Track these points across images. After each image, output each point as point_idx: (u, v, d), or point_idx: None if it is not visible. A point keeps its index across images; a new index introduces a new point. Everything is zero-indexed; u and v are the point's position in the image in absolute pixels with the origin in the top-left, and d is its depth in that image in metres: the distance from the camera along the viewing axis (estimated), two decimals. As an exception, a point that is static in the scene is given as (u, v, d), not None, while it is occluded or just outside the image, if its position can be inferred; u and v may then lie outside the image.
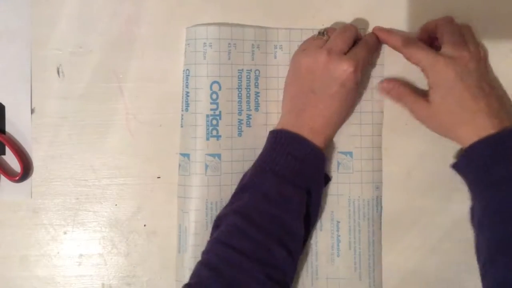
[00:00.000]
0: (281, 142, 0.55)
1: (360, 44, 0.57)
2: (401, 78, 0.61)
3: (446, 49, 0.56)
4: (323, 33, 0.58)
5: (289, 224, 0.54)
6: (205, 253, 0.54)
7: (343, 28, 0.57)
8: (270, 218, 0.53)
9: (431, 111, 0.56)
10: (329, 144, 0.60)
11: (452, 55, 0.55)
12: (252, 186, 0.55)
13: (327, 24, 0.62)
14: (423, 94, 0.57)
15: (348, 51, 0.56)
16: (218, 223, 0.56)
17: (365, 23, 0.62)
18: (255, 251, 0.52)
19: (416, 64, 0.57)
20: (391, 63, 0.61)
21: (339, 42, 0.55)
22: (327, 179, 0.60)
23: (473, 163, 0.54)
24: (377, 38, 0.59)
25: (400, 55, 0.59)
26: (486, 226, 0.52)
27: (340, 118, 0.58)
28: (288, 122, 0.57)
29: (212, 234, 0.56)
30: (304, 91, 0.56)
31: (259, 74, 0.62)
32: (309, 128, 0.56)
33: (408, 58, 0.58)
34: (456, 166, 0.57)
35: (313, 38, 0.59)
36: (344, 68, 0.54)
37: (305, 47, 0.58)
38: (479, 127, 0.54)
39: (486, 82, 0.55)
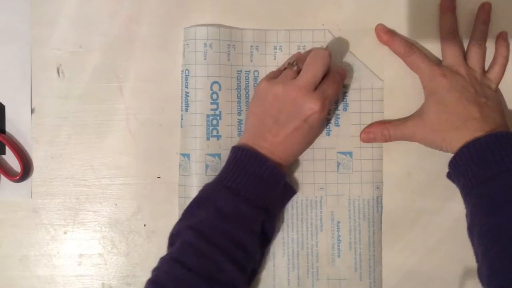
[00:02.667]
0: (240, 159, 0.55)
1: (329, 79, 0.56)
2: (400, 78, 0.62)
3: (445, 63, 0.59)
4: (293, 63, 0.57)
5: (244, 242, 0.53)
6: (155, 270, 0.53)
7: (314, 57, 0.56)
8: (224, 235, 0.52)
9: (425, 121, 0.58)
10: (291, 163, 0.59)
11: (450, 70, 0.58)
12: (207, 201, 0.55)
13: (327, 24, 0.62)
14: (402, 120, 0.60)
15: (318, 86, 0.56)
16: (172, 240, 0.55)
17: (365, 23, 0.62)
18: (206, 269, 0.51)
19: (416, 72, 0.60)
20: (391, 63, 0.62)
21: (309, 76, 0.55)
22: (292, 191, 0.60)
23: (459, 168, 0.55)
24: (345, 72, 0.59)
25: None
26: (477, 222, 0.53)
27: (300, 149, 0.59)
28: (249, 140, 0.56)
29: (167, 251, 0.55)
30: (268, 117, 0.56)
31: (258, 75, 0.62)
32: (270, 152, 0.55)
33: (408, 65, 0.61)
34: (448, 175, 0.58)
35: (283, 67, 0.59)
36: (311, 106, 0.54)
37: (275, 76, 0.58)
38: (469, 132, 0.55)
39: (484, 96, 0.57)
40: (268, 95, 0.56)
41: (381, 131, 0.60)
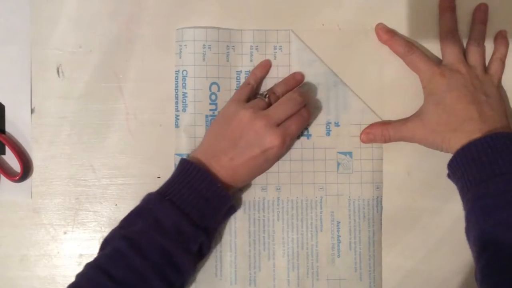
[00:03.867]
0: (190, 175, 0.55)
1: (295, 117, 0.57)
2: (400, 78, 0.62)
3: (444, 62, 0.59)
4: (265, 95, 0.58)
5: (178, 260, 0.52)
6: (79, 276, 0.52)
7: (289, 100, 0.57)
8: (158, 249, 0.52)
9: (425, 122, 0.58)
10: (239, 187, 0.59)
11: (450, 69, 0.58)
12: (148, 212, 0.54)
13: (327, 24, 0.62)
14: (403, 121, 0.60)
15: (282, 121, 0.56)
16: (104, 245, 0.54)
17: (365, 23, 0.62)
18: (131, 281, 0.50)
19: (415, 72, 0.61)
20: (391, 63, 0.62)
21: (278, 113, 0.56)
22: (233, 210, 0.59)
23: (457, 171, 0.55)
24: (309, 113, 0.59)
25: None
26: (471, 226, 0.53)
27: (250, 177, 0.59)
28: (203, 156, 0.56)
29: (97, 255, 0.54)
30: (228, 139, 0.56)
31: (258, 75, 0.62)
32: (221, 173, 0.55)
33: (408, 65, 0.61)
34: (448, 175, 0.58)
35: (248, 87, 0.59)
36: (271, 140, 0.55)
37: (243, 98, 0.58)
38: (468, 133, 0.55)
39: (484, 94, 0.57)
40: (234, 118, 0.56)
41: (381, 131, 0.60)
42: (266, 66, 0.61)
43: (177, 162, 0.59)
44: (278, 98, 0.59)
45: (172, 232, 0.52)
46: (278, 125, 0.56)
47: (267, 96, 0.58)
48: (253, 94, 0.60)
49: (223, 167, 0.55)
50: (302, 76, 0.61)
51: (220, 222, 0.58)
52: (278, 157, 0.58)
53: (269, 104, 0.58)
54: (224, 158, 0.55)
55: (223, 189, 0.55)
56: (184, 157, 0.58)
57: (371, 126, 0.61)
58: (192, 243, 0.54)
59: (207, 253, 0.58)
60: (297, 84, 0.61)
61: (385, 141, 0.61)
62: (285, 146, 0.56)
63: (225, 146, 0.56)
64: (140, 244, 0.52)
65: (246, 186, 0.61)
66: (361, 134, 0.61)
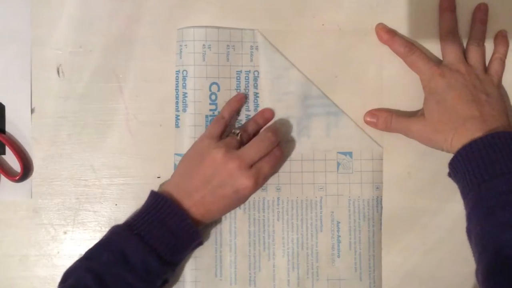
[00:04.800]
0: (160, 208, 0.55)
1: (268, 157, 0.57)
2: (400, 78, 0.62)
3: (445, 62, 0.59)
4: (237, 134, 0.58)
5: None
6: None
7: (262, 141, 0.57)
8: (123, 284, 0.52)
9: (426, 121, 0.58)
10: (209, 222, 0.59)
11: (450, 69, 0.58)
12: (115, 246, 0.54)
13: (327, 24, 0.62)
14: (409, 114, 0.60)
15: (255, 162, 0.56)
16: (66, 276, 0.53)
17: (365, 23, 0.62)
18: None
19: (416, 72, 0.60)
20: (391, 63, 0.62)
21: (251, 154, 0.56)
22: (199, 244, 0.58)
23: (458, 170, 0.55)
24: (282, 152, 0.59)
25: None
26: (472, 226, 0.53)
27: (221, 214, 0.60)
28: (175, 191, 0.56)
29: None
30: (200, 177, 0.56)
31: (258, 75, 0.62)
32: (192, 209, 0.55)
33: (408, 65, 0.61)
34: (449, 174, 0.58)
35: (221, 121, 0.59)
36: (244, 182, 0.55)
37: (216, 134, 0.58)
38: (469, 132, 0.55)
39: (484, 93, 0.57)
40: (207, 156, 0.56)
41: (384, 118, 0.60)
42: (240, 100, 0.61)
43: (177, 163, 0.60)
44: (249, 136, 0.59)
45: (139, 268, 0.52)
46: (251, 165, 0.56)
47: (239, 134, 0.58)
48: (226, 128, 0.60)
49: (195, 204, 0.55)
50: (272, 113, 0.61)
51: (186, 256, 0.58)
52: (250, 196, 0.58)
53: (241, 142, 0.58)
54: (196, 195, 0.55)
55: (193, 226, 0.55)
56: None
57: (378, 109, 0.61)
58: (158, 279, 0.54)
59: (168, 283, 0.58)
60: (267, 121, 0.61)
61: (385, 128, 0.60)
62: (258, 186, 0.57)
63: (197, 183, 0.56)
64: (106, 279, 0.52)
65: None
66: (365, 115, 0.61)
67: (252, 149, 0.56)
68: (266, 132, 0.58)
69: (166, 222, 0.54)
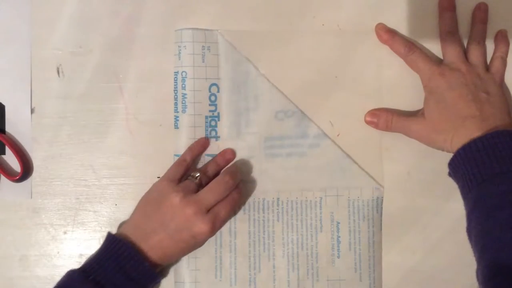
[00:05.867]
0: (117, 251, 0.54)
1: (226, 200, 0.57)
2: (400, 78, 0.62)
3: (445, 61, 0.59)
4: (196, 177, 0.58)
5: None
6: None
7: (219, 184, 0.57)
8: None
9: (426, 121, 0.58)
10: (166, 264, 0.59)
11: (450, 68, 0.58)
12: None
13: (326, 24, 0.62)
14: (409, 114, 0.60)
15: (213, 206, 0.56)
16: None
17: (365, 23, 0.62)
18: None
19: (416, 71, 0.60)
20: (391, 63, 0.62)
21: (209, 198, 0.55)
22: (157, 285, 0.58)
23: (458, 170, 0.55)
24: (240, 194, 0.59)
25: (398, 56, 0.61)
26: (472, 226, 0.53)
27: (179, 257, 0.59)
28: (132, 233, 0.55)
29: None
30: (158, 221, 0.55)
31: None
32: (149, 253, 0.55)
33: (408, 65, 0.61)
34: (449, 174, 0.58)
35: (182, 166, 0.59)
36: (202, 227, 0.54)
37: (175, 177, 0.57)
38: (468, 132, 0.55)
39: (485, 92, 0.57)
40: (164, 200, 0.55)
41: (385, 118, 0.60)
42: (204, 144, 0.61)
43: (177, 163, 0.60)
44: (209, 178, 0.59)
45: None
46: (209, 210, 0.55)
47: (198, 177, 0.58)
48: (187, 171, 0.59)
49: (152, 248, 0.55)
50: (233, 154, 0.61)
51: None
52: (207, 239, 0.57)
53: (200, 185, 0.57)
54: (153, 238, 0.55)
55: (150, 269, 0.54)
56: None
57: (379, 109, 0.61)
58: None
59: None
60: (227, 162, 0.61)
61: (386, 128, 0.60)
62: (216, 231, 0.56)
63: (154, 227, 0.55)
64: None
65: (246, 187, 0.61)
66: (366, 115, 0.61)
67: (209, 193, 0.56)
68: (224, 175, 0.57)
69: (123, 266, 0.53)
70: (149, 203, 0.57)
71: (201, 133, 0.60)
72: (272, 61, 0.62)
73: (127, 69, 0.62)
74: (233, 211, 0.60)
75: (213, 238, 0.60)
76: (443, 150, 0.58)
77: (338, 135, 0.61)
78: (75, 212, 0.62)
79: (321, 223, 0.61)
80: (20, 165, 0.60)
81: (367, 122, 0.61)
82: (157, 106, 0.62)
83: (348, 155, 0.61)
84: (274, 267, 0.61)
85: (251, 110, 0.61)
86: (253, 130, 0.61)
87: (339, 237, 0.61)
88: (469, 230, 0.53)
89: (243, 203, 0.61)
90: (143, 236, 0.55)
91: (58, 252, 0.62)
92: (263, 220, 0.61)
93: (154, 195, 0.57)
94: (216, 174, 0.60)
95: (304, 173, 0.61)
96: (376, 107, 0.62)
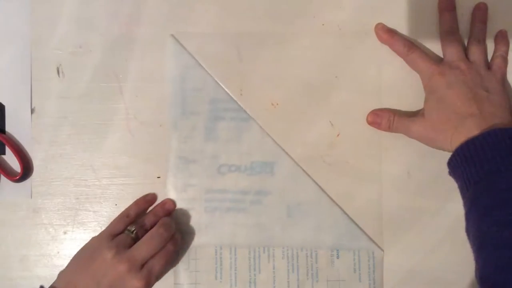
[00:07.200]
0: None
1: (159, 256, 0.55)
2: (399, 78, 0.62)
3: (445, 60, 0.59)
4: (133, 231, 0.57)
5: None
6: None
7: (153, 238, 0.56)
8: None
9: (426, 121, 0.58)
10: None
11: (450, 66, 0.58)
12: None
13: (326, 24, 0.62)
14: (409, 114, 0.60)
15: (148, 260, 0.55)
16: None
17: (365, 23, 0.62)
18: None
19: (416, 71, 0.60)
20: (390, 63, 0.62)
21: (142, 253, 0.54)
22: None
23: (456, 170, 0.55)
24: (176, 245, 0.58)
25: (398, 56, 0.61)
26: (470, 226, 0.53)
27: None
28: (65, 286, 0.54)
29: None
30: (90, 277, 0.54)
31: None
32: None
33: (408, 64, 0.61)
34: (449, 173, 0.57)
35: (122, 221, 0.58)
36: (134, 284, 0.53)
37: (110, 233, 0.57)
38: (467, 130, 0.54)
39: (485, 90, 0.56)
40: (97, 256, 0.54)
41: (388, 118, 0.60)
42: (150, 201, 0.60)
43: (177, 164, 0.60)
44: (146, 231, 0.57)
45: None
46: (143, 265, 0.54)
47: (134, 231, 0.57)
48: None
49: None
50: (172, 204, 0.61)
51: None
52: None
53: (137, 239, 0.56)
54: None
55: None
56: (183, 159, 0.58)
57: (381, 109, 0.61)
58: None
59: None
60: (167, 213, 0.60)
61: (388, 128, 0.60)
62: (150, 286, 0.55)
63: (87, 283, 0.54)
64: None
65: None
66: (368, 115, 0.61)
67: (143, 248, 0.55)
68: (158, 228, 0.56)
69: None
70: (82, 258, 0.56)
71: (200, 134, 0.60)
72: (272, 61, 0.62)
73: (127, 69, 0.62)
74: (169, 263, 0.58)
75: (213, 238, 0.60)
76: (443, 149, 0.58)
77: (338, 135, 0.61)
78: (75, 212, 0.62)
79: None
80: (20, 165, 0.60)
81: (370, 123, 0.61)
82: (157, 106, 0.62)
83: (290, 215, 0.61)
84: (274, 268, 0.60)
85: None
86: (194, 182, 0.61)
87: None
88: (468, 230, 0.53)
89: (182, 253, 0.60)
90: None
91: (58, 252, 0.62)
92: (263, 221, 0.61)
93: (89, 250, 0.56)
94: (154, 225, 0.58)
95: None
96: (376, 107, 0.61)
